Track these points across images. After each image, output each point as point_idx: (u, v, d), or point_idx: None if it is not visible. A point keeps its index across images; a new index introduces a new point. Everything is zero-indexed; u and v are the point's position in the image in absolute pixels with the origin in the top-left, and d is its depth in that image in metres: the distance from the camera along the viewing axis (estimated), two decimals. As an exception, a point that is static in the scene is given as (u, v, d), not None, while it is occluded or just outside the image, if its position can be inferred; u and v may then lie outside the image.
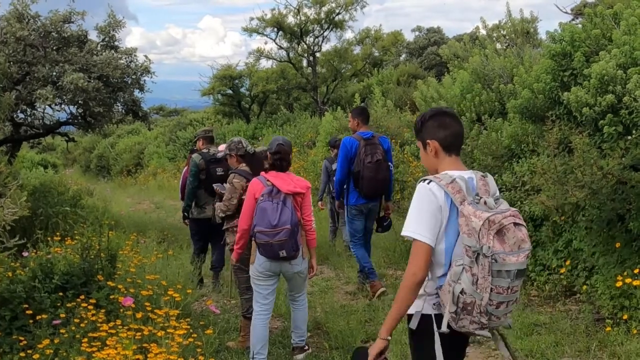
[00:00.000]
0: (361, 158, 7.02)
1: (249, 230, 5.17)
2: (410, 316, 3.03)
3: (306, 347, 5.58)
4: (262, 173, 5.34)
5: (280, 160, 5.26)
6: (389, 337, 3.05)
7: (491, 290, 2.81)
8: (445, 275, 2.92)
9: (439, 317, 2.94)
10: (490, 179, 3.08)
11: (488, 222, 2.79)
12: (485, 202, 2.88)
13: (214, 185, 6.37)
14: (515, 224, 2.84)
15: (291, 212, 5.07)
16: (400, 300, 2.96)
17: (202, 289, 7.82)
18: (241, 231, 5.28)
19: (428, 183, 2.99)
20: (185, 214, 8.10)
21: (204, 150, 8.11)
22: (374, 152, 7.02)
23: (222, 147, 8.61)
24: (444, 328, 2.89)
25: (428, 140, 3.11)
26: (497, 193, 3.06)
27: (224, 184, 5.96)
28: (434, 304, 2.98)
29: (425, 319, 3.00)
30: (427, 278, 2.97)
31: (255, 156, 5.94)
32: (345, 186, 7.30)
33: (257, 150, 6.00)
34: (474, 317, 2.84)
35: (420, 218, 3.02)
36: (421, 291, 2.98)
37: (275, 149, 5.27)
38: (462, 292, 2.83)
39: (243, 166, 5.92)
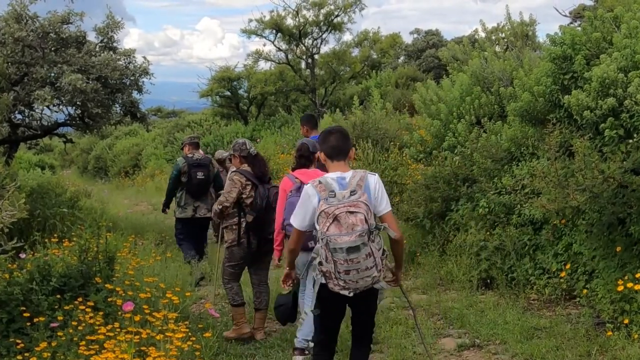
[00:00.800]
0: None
1: (283, 226, 5.42)
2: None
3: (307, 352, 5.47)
4: (289, 171, 5.84)
5: (300, 158, 5.68)
6: (287, 268, 4.48)
7: (335, 262, 3.77)
8: None
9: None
10: (371, 177, 3.98)
11: (324, 213, 3.76)
12: (335, 196, 3.81)
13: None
14: (349, 212, 3.74)
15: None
16: (287, 255, 4.40)
17: (199, 289, 7.88)
18: (278, 227, 5.55)
19: (308, 185, 4.00)
20: (165, 207, 9.20)
21: (189, 155, 8.73)
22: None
23: (218, 153, 10.18)
24: (315, 288, 4.06)
25: (320, 152, 4.16)
26: (372, 188, 3.94)
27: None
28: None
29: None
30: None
31: (257, 158, 6.17)
32: None
33: (224, 155, 6.35)
34: (334, 280, 3.84)
35: (296, 211, 4.07)
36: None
37: (297, 147, 5.80)
38: (320, 263, 3.87)
39: (245, 166, 6.12)
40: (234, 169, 6.29)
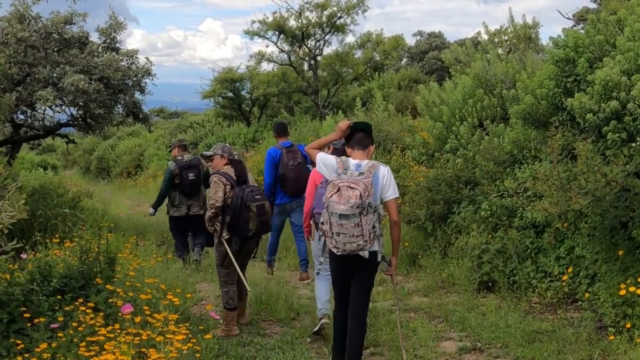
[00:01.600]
0: (284, 162, 8.21)
1: (311, 211, 6.10)
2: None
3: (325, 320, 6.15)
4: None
5: (334, 152, 6.02)
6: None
7: (331, 224, 4.71)
8: None
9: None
10: (382, 168, 4.94)
11: (332, 183, 4.75)
12: (346, 174, 4.78)
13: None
14: (350, 187, 4.65)
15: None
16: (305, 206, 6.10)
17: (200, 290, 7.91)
18: (306, 212, 6.17)
19: (335, 157, 5.02)
20: (153, 209, 9.76)
21: (179, 158, 9.32)
22: (294, 157, 8.24)
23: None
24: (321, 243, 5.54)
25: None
26: (380, 176, 4.87)
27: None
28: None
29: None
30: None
31: (240, 162, 6.49)
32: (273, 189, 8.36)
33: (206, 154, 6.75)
34: (329, 239, 4.79)
35: (321, 161, 5.09)
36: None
37: (342, 147, 5.91)
38: (322, 223, 4.84)
39: (227, 168, 6.36)
40: (214, 170, 6.50)
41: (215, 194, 6.15)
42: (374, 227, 4.71)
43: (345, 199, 4.62)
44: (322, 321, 6.12)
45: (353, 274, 5.03)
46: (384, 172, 4.91)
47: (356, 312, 5.08)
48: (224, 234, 6.21)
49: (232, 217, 6.16)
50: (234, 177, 6.29)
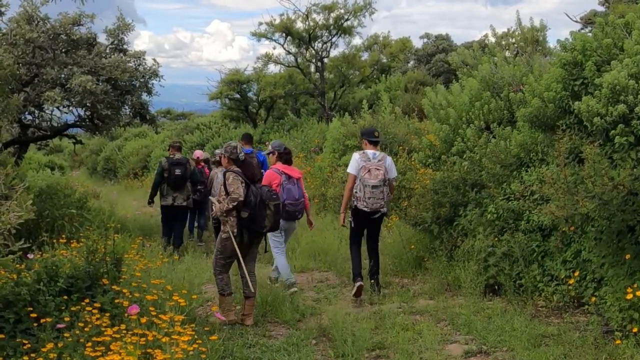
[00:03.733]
0: None
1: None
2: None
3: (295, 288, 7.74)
4: (274, 165, 8.11)
5: (288, 156, 8.21)
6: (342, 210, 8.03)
7: (364, 192, 7.46)
8: None
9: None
10: (388, 157, 7.81)
11: (364, 167, 7.51)
12: (370, 160, 7.55)
13: (210, 197, 7.71)
14: (377, 168, 7.50)
15: (301, 189, 8.13)
16: (345, 195, 7.82)
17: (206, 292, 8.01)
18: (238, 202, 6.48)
19: (356, 153, 7.75)
20: (150, 200, 11.29)
21: (171, 156, 10.96)
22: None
23: (196, 153, 12.77)
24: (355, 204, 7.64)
25: (365, 140, 7.83)
26: (388, 163, 7.70)
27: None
28: (356, 200, 7.61)
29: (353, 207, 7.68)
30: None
31: (245, 162, 6.70)
32: None
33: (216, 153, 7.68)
34: (361, 202, 7.51)
35: (352, 166, 7.66)
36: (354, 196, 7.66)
37: (285, 150, 8.27)
38: (356, 192, 7.55)
39: (234, 167, 6.64)
40: (223, 169, 6.90)
41: (237, 189, 6.42)
42: (388, 194, 7.71)
43: (375, 176, 7.49)
44: (293, 289, 7.66)
45: (369, 225, 7.81)
46: (390, 160, 7.79)
47: (373, 248, 7.98)
48: (234, 230, 6.47)
49: (249, 214, 6.45)
50: (245, 175, 6.56)
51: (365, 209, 7.49)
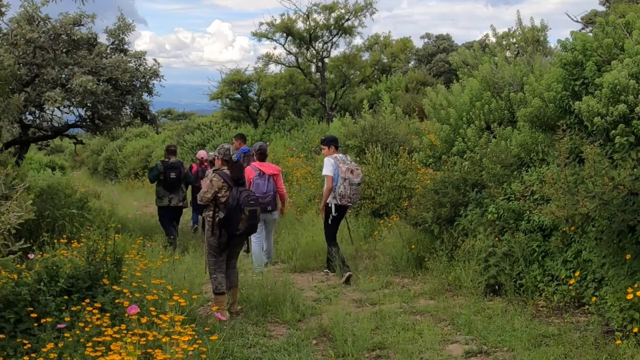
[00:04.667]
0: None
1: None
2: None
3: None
4: (252, 163, 9.23)
5: (263, 155, 9.33)
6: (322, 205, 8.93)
7: (348, 190, 8.59)
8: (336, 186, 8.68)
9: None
10: (347, 157, 8.92)
11: (347, 168, 8.60)
12: (344, 162, 8.66)
13: (202, 180, 7.96)
14: (357, 168, 8.77)
15: (272, 184, 9.11)
16: (325, 194, 8.78)
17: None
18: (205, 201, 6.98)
19: (328, 158, 8.78)
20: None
21: (166, 160, 11.50)
22: (248, 160, 9.72)
23: (200, 153, 13.20)
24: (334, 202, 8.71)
25: (332, 146, 8.94)
26: (349, 158, 8.91)
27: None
28: (334, 198, 8.65)
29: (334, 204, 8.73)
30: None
31: (236, 164, 7.10)
32: None
33: (210, 155, 8.16)
34: (346, 198, 8.63)
35: (328, 169, 8.62)
36: (332, 195, 8.70)
37: (260, 150, 9.35)
38: (339, 189, 8.62)
39: (225, 169, 7.00)
40: (214, 168, 7.23)
41: (205, 193, 6.88)
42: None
43: (357, 175, 8.68)
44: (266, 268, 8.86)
45: (341, 218, 9.02)
46: (348, 157, 9.01)
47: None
48: (215, 229, 6.87)
49: (225, 216, 6.82)
50: (231, 177, 6.91)
51: (349, 204, 8.76)
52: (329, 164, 8.65)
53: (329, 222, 8.83)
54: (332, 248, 8.86)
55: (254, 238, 9.06)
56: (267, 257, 9.41)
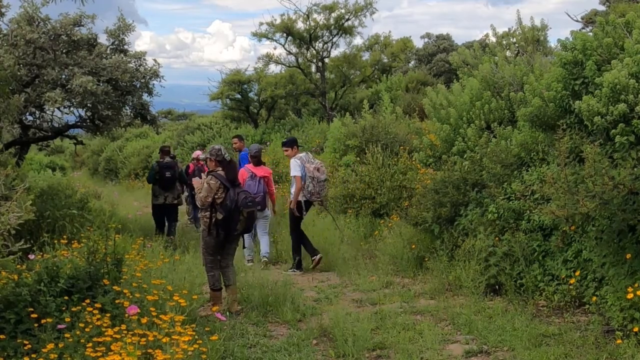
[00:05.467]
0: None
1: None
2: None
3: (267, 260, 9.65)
4: (246, 165, 9.86)
5: (258, 160, 9.75)
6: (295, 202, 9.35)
7: (316, 187, 9.23)
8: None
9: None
10: (309, 155, 9.59)
11: (314, 167, 9.20)
12: (310, 161, 9.31)
13: (193, 179, 7.90)
14: (322, 167, 9.39)
15: (262, 186, 9.58)
16: (295, 193, 9.23)
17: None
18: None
19: (294, 158, 9.33)
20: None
21: (161, 160, 12.00)
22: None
23: (196, 153, 13.20)
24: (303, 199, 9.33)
25: (294, 147, 9.57)
26: (311, 156, 9.58)
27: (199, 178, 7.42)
28: (303, 195, 9.28)
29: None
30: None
31: (230, 163, 7.18)
32: None
33: (201, 157, 7.87)
34: (315, 195, 9.30)
35: (297, 169, 9.19)
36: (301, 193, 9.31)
37: (255, 154, 9.74)
38: (308, 188, 9.21)
39: (219, 170, 7.06)
40: (209, 171, 7.29)
41: (205, 198, 6.95)
42: None
43: (322, 172, 9.27)
44: (248, 263, 9.66)
45: (309, 209, 9.69)
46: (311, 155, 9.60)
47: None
48: (211, 229, 6.97)
49: (224, 216, 6.92)
50: (227, 178, 7.01)
51: (317, 200, 9.43)
52: (296, 165, 9.20)
53: (300, 216, 9.36)
54: (303, 240, 9.42)
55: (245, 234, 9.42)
56: (265, 253, 9.81)
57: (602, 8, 22.53)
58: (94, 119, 13.07)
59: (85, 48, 12.30)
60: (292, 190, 9.43)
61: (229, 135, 23.05)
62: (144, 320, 4.97)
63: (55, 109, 12.47)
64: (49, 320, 4.99)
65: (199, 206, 7.11)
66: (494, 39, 12.15)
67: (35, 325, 4.99)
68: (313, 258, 9.33)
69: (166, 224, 12.10)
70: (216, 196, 6.93)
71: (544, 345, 5.63)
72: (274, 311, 7.00)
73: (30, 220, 5.10)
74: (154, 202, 12.02)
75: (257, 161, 9.76)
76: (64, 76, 11.87)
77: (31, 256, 6.25)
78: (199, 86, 27.87)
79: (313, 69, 25.52)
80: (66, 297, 5.34)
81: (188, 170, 13.13)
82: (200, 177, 7.35)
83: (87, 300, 5.27)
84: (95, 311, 5.09)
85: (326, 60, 24.98)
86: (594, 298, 6.15)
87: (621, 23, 7.09)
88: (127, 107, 13.32)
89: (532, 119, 7.51)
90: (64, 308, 5.22)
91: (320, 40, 24.52)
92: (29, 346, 4.73)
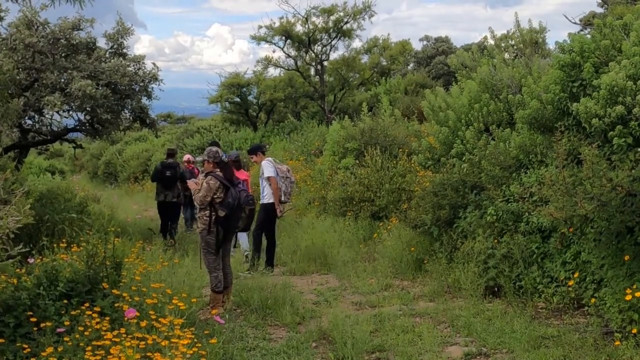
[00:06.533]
0: None
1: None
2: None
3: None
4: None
5: (238, 164, 10.00)
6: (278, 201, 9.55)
7: (288, 188, 9.47)
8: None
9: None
10: (276, 161, 9.81)
11: (286, 169, 9.56)
12: (278, 164, 9.59)
13: (187, 180, 8.10)
14: (290, 169, 9.84)
15: (244, 187, 8.67)
16: (275, 194, 9.32)
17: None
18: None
19: (265, 161, 9.51)
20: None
21: (164, 160, 12.79)
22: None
23: (186, 157, 14.07)
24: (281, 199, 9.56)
25: (259, 153, 9.81)
26: (278, 160, 9.93)
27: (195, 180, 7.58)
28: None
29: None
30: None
31: (227, 164, 7.34)
32: None
33: (199, 160, 8.00)
34: (285, 196, 9.44)
35: (272, 171, 9.35)
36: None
37: (235, 159, 9.91)
38: (282, 188, 9.34)
39: (217, 171, 7.19)
40: (207, 172, 7.38)
41: (204, 197, 7.06)
42: None
43: (292, 175, 9.53)
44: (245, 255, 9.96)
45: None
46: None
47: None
48: (211, 227, 7.05)
49: (226, 214, 7.06)
50: (225, 178, 7.14)
51: (287, 201, 9.66)
52: (268, 166, 9.37)
53: (270, 215, 9.54)
54: (275, 242, 9.66)
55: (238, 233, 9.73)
56: (246, 247, 10.13)
57: (600, 10, 22.57)
58: (93, 122, 13.09)
59: (84, 52, 12.33)
60: (265, 192, 9.53)
61: (228, 139, 23.08)
62: (143, 324, 4.97)
63: (55, 112, 12.49)
64: (48, 323, 4.99)
65: (198, 205, 7.20)
66: (492, 42, 12.16)
67: (35, 329, 4.99)
68: (267, 268, 9.23)
69: (169, 224, 12.60)
70: (215, 195, 7.06)
71: (543, 347, 5.64)
72: (273, 314, 7.00)
73: (30, 224, 5.11)
74: (155, 199, 12.81)
75: (238, 165, 10.09)
76: (63, 80, 11.89)
77: (30, 260, 6.25)
78: (198, 89, 27.87)
79: (312, 72, 25.53)
80: (65, 301, 5.34)
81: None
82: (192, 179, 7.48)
83: (87, 304, 5.28)
84: (95, 315, 5.09)
85: (325, 63, 24.99)
86: (593, 300, 6.15)
87: (619, 25, 7.11)
88: (126, 111, 13.35)
89: (531, 121, 7.52)
90: (63, 312, 5.23)
91: (319, 43, 24.53)
92: (29, 350, 4.73)
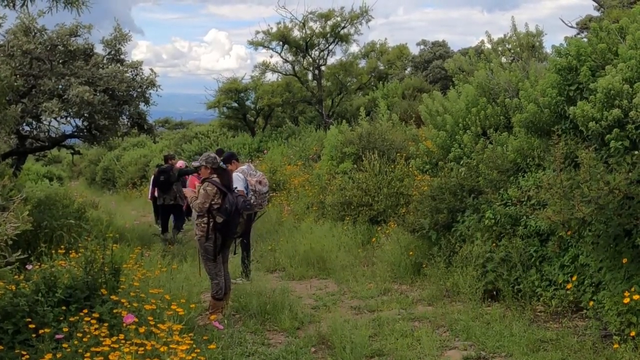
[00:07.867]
0: None
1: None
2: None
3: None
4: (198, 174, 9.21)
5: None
6: None
7: (258, 199, 9.12)
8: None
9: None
10: (251, 166, 9.48)
11: (256, 180, 9.15)
12: (252, 174, 9.15)
13: (184, 189, 8.49)
14: (264, 179, 9.40)
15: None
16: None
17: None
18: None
19: (237, 171, 8.86)
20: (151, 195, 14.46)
21: (160, 165, 13.59)
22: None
23: (179, 163, 14.20)
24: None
25: (233, 161, 9.13)
26: (253, 167, 9.48)
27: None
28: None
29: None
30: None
31: (225, 170, 7.35)
32: None
33: (195, 165, 8.02)
34: (257, 207, 9.09)
35: (240, 184, 8.58)
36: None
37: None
38: (251, 198, 8.78)
39: (214, 177, 7.16)
40: (204, 177, 7.35)
41: (203, 204, 7.01)
42: None
43: (264, 184, 9.32)
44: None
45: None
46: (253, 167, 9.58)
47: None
48: (210, 234, 7.02)
49: (224, 220, 7.02)
50: (222, 184, 7.12)
51: (259, 209, 9.48)
52: (239, 179, 8.95)
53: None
54: (249, 252, 9.52)
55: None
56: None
57: (596, 14, 22.61)
58: (91, 128, 13.09)
59: (82, 58, 12.33)
60: None
61: (226, 144, 23.06)
62: (141, 330, 4.97)
63: (52, 119, 12.51)
64: (47, 330, 4.99)
65: (196, 212, 7.15)
66: (489, 46, 12.18)
67: (33, 335, 4.99)
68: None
69: (173, 222, 13.35)
70: (212, 202, 7.02)
71: (541, 351, 5.65)
72: (272, 319, 7.00)
73: (28, 230, 5.11)
74: (157, 203, 13.75)
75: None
76: (60, 86, 11.90)
77: (29, 266, 6.24)
78: (195, 95, 27.90)
79: (310, 76, 25.53)
80: (64, 307, 5.34)
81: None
82: (184, 186, 7.42)
83: (85, 310, 5.27)
84: (93, 321, 5.09)
85: (322, 68, 24.99)
86: (591, 303, 6.16)
87: (615, 29, 7.13)
88: (124, 117, 13.36)
89: (528, 125, 7.54)
90: (61, 318, 5.22)
91: (316, 48, 24.53)
92: (27, 356, 4.72)
